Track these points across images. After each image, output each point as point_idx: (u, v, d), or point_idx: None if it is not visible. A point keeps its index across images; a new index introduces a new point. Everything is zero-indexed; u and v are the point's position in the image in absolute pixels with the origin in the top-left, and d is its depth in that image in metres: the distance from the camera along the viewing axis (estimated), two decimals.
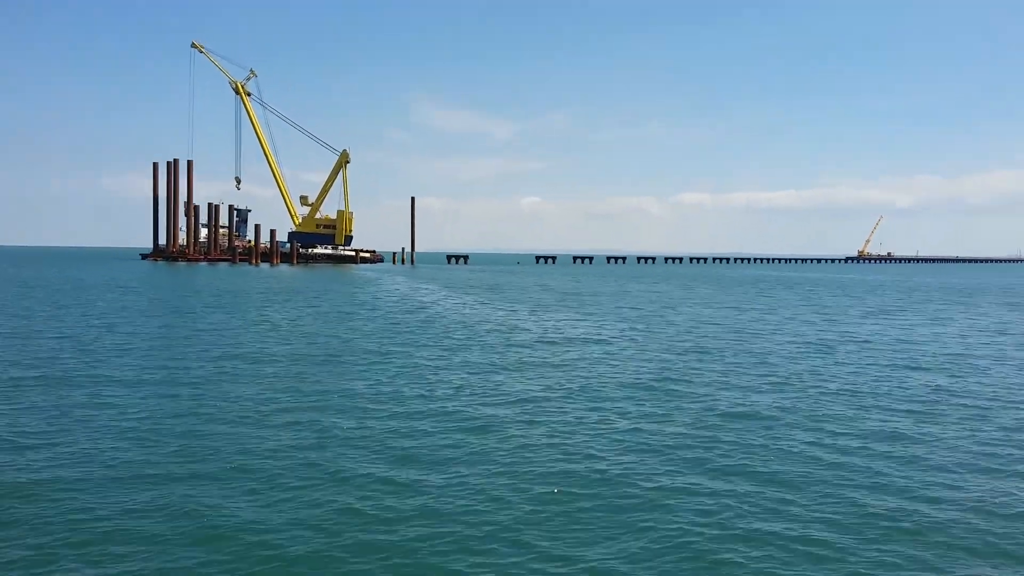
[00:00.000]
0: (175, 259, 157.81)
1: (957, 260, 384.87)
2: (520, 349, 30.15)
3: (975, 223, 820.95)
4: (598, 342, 32.74)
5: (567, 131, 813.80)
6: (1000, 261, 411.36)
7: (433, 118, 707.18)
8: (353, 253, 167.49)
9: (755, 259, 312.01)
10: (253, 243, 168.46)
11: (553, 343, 32.26)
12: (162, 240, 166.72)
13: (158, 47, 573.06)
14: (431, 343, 31.81)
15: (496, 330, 37.34)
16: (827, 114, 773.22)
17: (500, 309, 50.92)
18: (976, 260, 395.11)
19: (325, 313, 45.97)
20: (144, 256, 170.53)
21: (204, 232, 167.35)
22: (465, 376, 23.52)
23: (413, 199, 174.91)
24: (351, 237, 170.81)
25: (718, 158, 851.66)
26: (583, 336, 35.03)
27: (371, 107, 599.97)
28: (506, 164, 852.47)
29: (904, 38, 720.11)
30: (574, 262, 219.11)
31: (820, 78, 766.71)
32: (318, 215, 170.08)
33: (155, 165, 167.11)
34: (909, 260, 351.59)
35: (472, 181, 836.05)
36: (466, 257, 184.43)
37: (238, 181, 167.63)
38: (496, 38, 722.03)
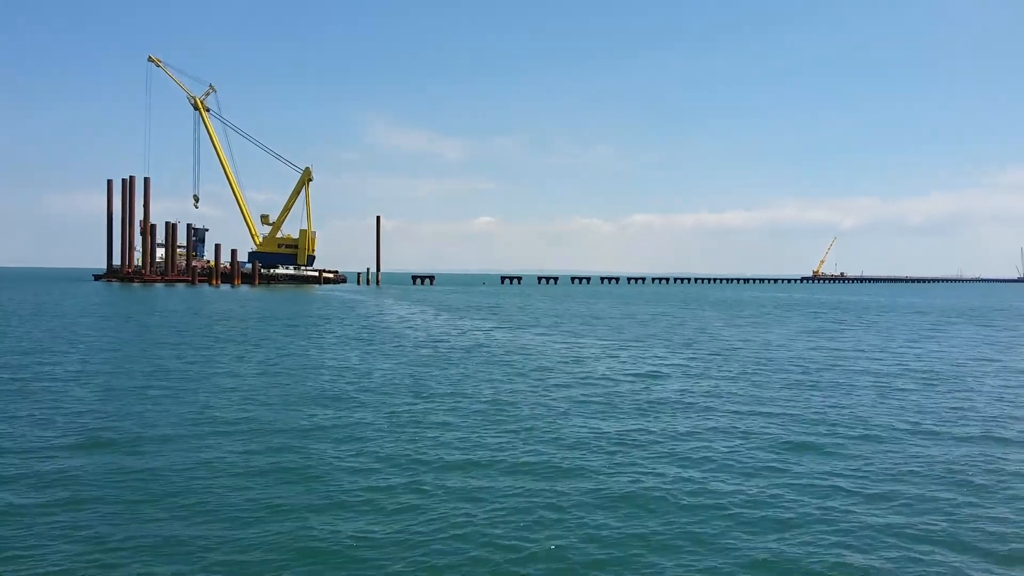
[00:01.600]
0: (130, 280, 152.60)
1: (907, 280, 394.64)
2: (636, 390, 25.31)
3: (914, 244, 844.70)
4: (689, 376, 28.85)
5: (518, 153, 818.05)
6: (941, 281, 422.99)
7: (385, 138, 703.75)
8: (316, 273, 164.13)
9: (713, 279, 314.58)
10: (212, 263, 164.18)
11: (651, 377, 28.21)
12: (116, 260, 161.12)
13: (111, 60, 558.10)
14: (528, 379, 27.38)
15: (581, 369, 30.65)
16: (773, 137, 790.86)
17: (551, 339, 43.89)
18: (922, 280, 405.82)
19: (368, 343, 39.78)
20: (97, 277, 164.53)
21: (161, 252, 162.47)
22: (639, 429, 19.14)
23: (379, 219, 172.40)
24: (313, 257, 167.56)
25: (666, 181, 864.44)
26: (664, 369, 30.76)
27: (321, 126, 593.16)
28: (458, 184, 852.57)
29: (845, 67, 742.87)
30: (539, 282, 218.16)
31: (766, 103, 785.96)
32: (279, 234, 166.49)
33: (109, 183, 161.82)
34: (862, 280, 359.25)
35: (424, 201, 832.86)
36: (432, 277, 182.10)
37: (196, 199, 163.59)
38: (448, 59, 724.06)
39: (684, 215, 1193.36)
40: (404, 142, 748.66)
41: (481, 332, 48.16)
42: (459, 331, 48.59)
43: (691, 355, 36.12)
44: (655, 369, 30.65)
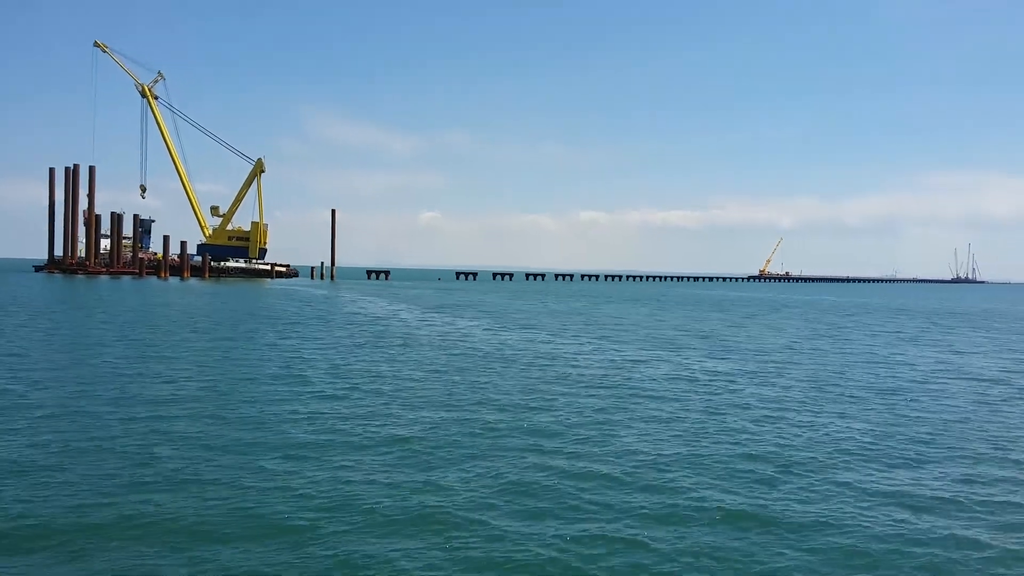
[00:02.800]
0: (74, 271, 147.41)
1: (848, 279, 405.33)
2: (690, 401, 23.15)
3: (851, 244, 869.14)
4: (752, 383, 27.44)
5: (466, 148, 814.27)
6: (880, 281, 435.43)
7: (329, 131, 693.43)
8: (268, 267, 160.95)
9: (666, 277, 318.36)
10: (160, 255, 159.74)
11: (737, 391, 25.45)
12: (58, 251, 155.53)
13: (54, 46, 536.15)
14: (557, 386, 25.21)
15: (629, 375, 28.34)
16: (716, 138, 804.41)
17: (565, 342, 41.00)
18: (862, 280, 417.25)
19: (386, 348, 35.23)
20: (38, 268, 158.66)
21: (105, 243, 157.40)
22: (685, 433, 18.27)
23: (334, 212, 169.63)
24: (265, 250, 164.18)
25: (613, 178, 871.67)
26: (734, 380, 28.46)
27: (264, 118, 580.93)
28: (405, 179, 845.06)
29: (786, 71, 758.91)
30: (494, 279, 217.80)
31: (710, 105, 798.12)
32: (230, 227, 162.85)
33: (51, 171, 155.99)
34: (807, 279, 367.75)
35: (370, 195, 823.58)
36: (387, 272, 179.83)
37: (143, 189, 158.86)
38: (397, 53, 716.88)
39: (630, 212, 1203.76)
40: (350, 135, 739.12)
41: (507, 338, 42.45)
42: (476, 336, 43.72)
43: (754, 366, 32.42)
44: (729, 381, 27.75)
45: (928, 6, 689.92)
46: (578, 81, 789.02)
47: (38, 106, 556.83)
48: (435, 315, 60.62)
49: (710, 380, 27.04)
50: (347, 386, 23.74)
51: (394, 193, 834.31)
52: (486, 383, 25.29)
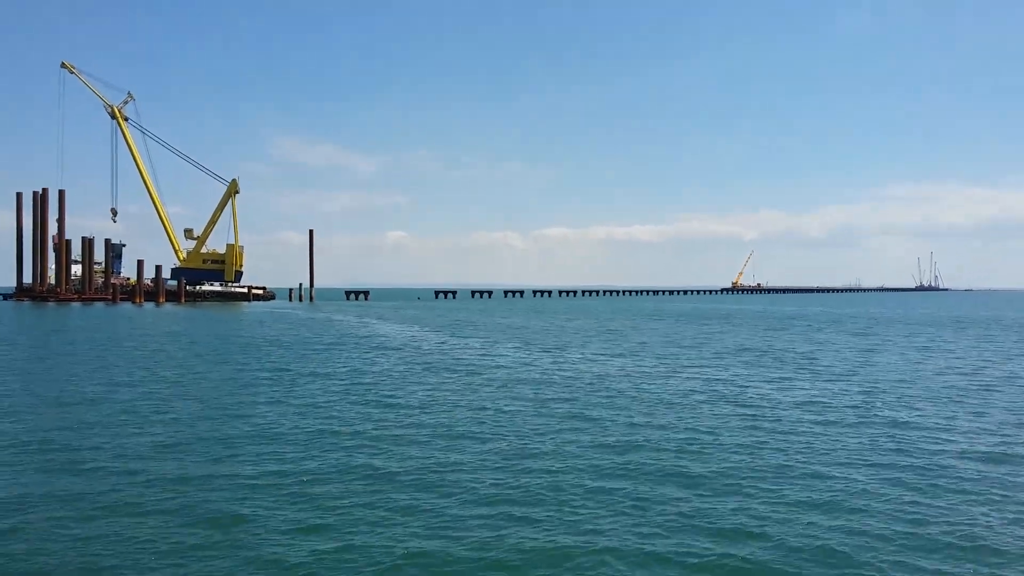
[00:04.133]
0: (44, 299, 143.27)
1: (817, 290, 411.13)
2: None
3: (813, 255, 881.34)
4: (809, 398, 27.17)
5: (429, 168, 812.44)
6: (846, 290, 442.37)
7: (292, 151, 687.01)
8: (245, 290, 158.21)
9: (637, 291, 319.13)
10: (134, 280, 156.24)
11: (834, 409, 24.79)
12: (27, 278, 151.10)
13: (17, 66, 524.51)
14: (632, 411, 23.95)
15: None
16: (677, 153, 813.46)
17: (600, 359, 39.56)
18: (829, 289, 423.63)
19: (431, 372, 33.29)
20: (7, 296, 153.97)
21: (76, 269, 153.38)
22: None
23: (312, 232, 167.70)
24: (241, 273, 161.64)
25: (576, 195, 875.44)
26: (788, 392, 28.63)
27: (226, 139, 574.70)
28: (369, 198, 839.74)
29: (745, 90, 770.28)
30: (472, 296, 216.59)
31: (669, 122, 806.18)
32: (204, 249, 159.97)
33: (19, 195, 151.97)
34: (779, 291, 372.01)
35: (334, 215, 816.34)
36: (367, 293, 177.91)
37: (114, 213, 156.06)
38: (358, 74, 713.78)
39: (595, 228, 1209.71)
40: (313, 157, 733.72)
41: (566, 360, 40.27)
42: (499, 355, 42.58)
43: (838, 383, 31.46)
44: (818, 398, 27.25)
45: (884, 17, 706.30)
46: (539, 100, 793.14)
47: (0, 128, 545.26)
48: (463, 339, 57.09)
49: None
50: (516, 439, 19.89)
51: (358, 214, 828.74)
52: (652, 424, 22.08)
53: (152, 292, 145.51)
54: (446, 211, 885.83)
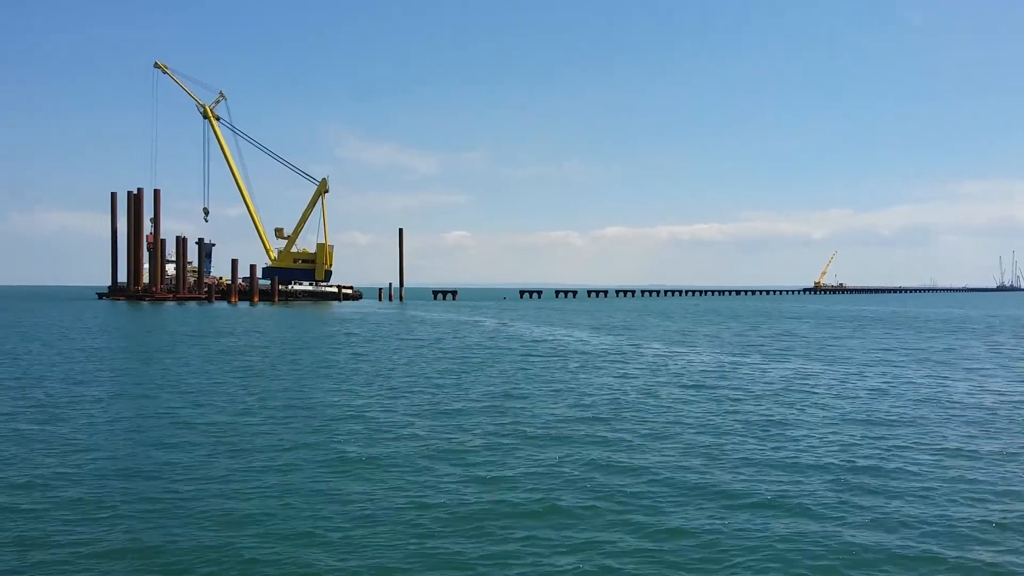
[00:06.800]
0: (140, 298, 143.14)
1: (894, 290, 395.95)
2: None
3: (884, 254, 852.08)
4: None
5: (488, 167, 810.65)
6: (920, 290, 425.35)
7: (354, 152, 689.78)
8: (336, 290, 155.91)
9: (727, 291, 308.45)
10: (222, 279, 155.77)
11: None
12: (121, 277, 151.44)
13: (109, 67, 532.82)
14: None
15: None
16: (741, 154, 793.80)
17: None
18: (904, 289, 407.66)
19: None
20: (101, 295, 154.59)
21: (169, 268, 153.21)
22: None
23: (401, 231, 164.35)
24: (331, 272, 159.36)
25: (636, 194, 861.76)
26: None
27: (291, 141, 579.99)
28: (430, 198, 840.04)
29: (811, 83, 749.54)
30: (556, 296, 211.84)
31: (734, 117, 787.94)
32: (294, 248, 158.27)
33: (113, 196, 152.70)
34: (859, 291, 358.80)
35: (396, 216, 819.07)
36: (454, 292, 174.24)
37: (206, 212, 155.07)
38: (418, 73, 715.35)
39: (657, 227, 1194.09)
40: (373, 157, 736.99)
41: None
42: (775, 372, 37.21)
43: None
44: None
45: (952, 12, 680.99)
46: (599, 96, 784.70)
47: (96, 129, 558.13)
48: (648, 343, 54.20)
49: None
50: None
51: (418, 213, 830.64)
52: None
53: (246, 291, 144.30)
54: (505, 210, 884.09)
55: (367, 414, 22.37)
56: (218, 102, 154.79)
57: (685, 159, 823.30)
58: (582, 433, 19.60)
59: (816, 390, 27.71)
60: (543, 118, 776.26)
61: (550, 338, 55.40)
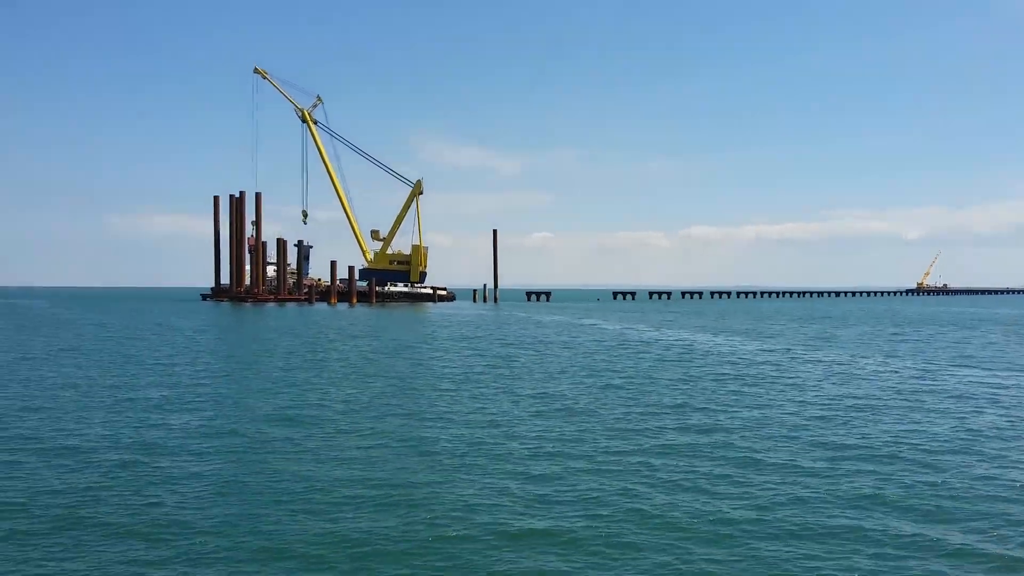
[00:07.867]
0: (242, 299, 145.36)
1: (998, 291, 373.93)
2: None
3: (981, 254, 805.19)
4: None
5: (572, 167, 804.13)
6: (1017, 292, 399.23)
7: (439, 154, 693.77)
8: (431, 291, 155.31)
9: (829, 293, 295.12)
10: (320, 281, 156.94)
11: None
12: (223, 279, 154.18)
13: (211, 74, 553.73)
14: None
15: None
16: (830, 150, 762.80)
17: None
18: (1008, 291, 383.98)
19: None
20: (205, 296, 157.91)
21: (271, 270, 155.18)
22: None
23: (495, 232, 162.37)
24: (425, 273, 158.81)
25: (722, 193, 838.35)
26: None
27: (375, 143, 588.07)
28: (513, 199, 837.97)
29: (904, 76, 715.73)
30: (650, 297, 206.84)
31: (821, 114, 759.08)
32: (389, 250, 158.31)
33: (216, 199, 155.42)
34: (962, 292, 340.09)
35: (477, 217, 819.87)
36: (548, 293, 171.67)
37: (305, 215, 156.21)
38: (500, 76, 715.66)
39: (743, 226, 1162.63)
40: (457, 159, 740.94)
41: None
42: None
43: None
44: None
45: None
46: (683, 93, 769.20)
47: (194, 134, 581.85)
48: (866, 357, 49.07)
49: None
50: None
51: (504, 214, 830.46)
52: None
53: (344, 293, 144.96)
54: (588, 210, 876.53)
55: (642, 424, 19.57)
56: (315, 106, 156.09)
57: (770, 155, 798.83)
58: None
59: None
60: (627, 115, 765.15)
61: (710, 344, 51.81)
